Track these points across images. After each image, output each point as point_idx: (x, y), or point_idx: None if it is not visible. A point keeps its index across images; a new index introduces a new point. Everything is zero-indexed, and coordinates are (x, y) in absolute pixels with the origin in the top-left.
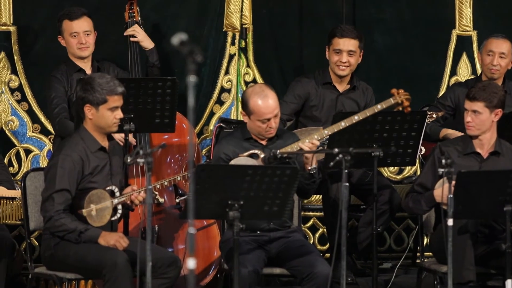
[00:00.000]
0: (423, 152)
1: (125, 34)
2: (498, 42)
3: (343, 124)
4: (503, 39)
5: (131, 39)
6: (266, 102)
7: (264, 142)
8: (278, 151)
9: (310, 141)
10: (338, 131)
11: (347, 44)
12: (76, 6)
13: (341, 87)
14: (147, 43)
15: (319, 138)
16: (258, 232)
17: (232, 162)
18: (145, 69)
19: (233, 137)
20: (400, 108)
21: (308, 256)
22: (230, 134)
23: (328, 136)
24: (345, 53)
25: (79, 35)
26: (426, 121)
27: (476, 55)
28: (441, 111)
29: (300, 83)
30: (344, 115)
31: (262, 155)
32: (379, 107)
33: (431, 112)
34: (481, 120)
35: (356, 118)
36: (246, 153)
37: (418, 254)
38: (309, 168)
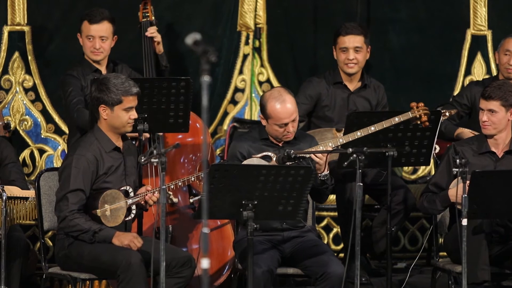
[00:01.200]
0: (437, 150)
1: (148, 35)
2: None
3: (358, 134)
4: None
5: (155, 39)
6: (284, 107)
7: (280, 143)
8: (292, 151)
9: (324, 148)
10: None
11: (353, 41)
12: (97, 7)
13: (352, 85)
14: (161, 47)
15: (334, 146)
16: (269, 232)
17: (245, 163)
18: (158, 69)
19: (250, 136)
20: (418, 122)
21: (322, 256)
22: (247, 133)
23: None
24: (352, 50)
25: (95, 40)
26: (440, 119)
27: (490, 55)
28: (454, 109)
29: (311, 83)
30: (358, 114)
31: (275, 158)
32: (396, 119)
33: (445, 111)
34: (498, 119)
35: (372, 129)
36: (259, 155)
37: (433, 254)
38: (320, 174)
